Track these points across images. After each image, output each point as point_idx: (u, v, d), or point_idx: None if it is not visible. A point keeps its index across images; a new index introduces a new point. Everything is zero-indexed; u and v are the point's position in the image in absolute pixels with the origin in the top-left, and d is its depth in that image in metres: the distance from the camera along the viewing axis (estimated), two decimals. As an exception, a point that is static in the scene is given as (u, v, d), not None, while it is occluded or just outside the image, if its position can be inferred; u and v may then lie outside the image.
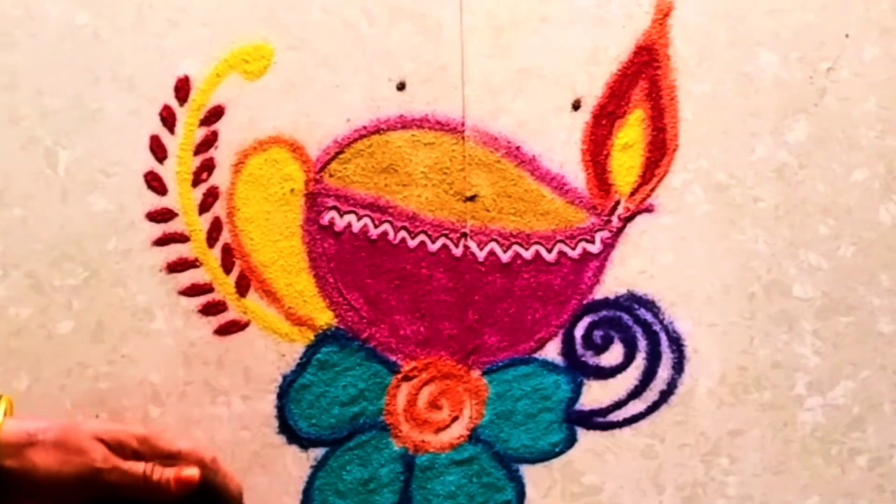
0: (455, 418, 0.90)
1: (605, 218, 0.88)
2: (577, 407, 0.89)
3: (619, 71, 0.86)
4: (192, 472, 0.75)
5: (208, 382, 0.89)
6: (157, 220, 0.88)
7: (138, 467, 0.75)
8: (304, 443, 0.90)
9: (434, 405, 0.90)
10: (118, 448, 0.75)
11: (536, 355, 0.89)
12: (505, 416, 0.89)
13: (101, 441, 0.75)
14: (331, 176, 0.88)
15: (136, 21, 0.87)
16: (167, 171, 0.88)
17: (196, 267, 0.89)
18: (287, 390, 0.89)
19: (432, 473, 0.90)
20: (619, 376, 0.89)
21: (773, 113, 0.86)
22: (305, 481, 0.90)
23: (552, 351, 0.89)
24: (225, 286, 0.89)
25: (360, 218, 0.88)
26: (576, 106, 0.87)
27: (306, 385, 0.89)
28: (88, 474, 0.74)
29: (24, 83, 0.87)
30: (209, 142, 0.88)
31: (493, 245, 0.88)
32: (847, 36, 0.85)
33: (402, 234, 0.88)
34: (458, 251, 0.88)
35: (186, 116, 0.88)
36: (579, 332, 0.89)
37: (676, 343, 0.89)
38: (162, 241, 0.89)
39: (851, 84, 0.85)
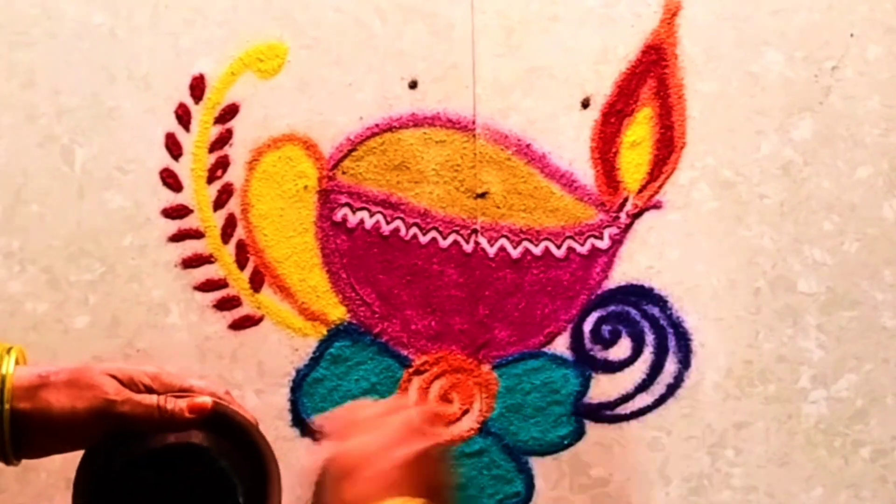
0: (466, 411, 0.90)
1: (614, 214, 0.88)
2: (586, 400, 0.90)
3: (628, 70, 0.87)
4: (205, 399, 0.75)
5: (223, 376, 0.89)
6: (172, 217, 0.89)
7: (151, 398, 0.75)
8: (317, 436, 0.89)
9: (445, 398, 0.90)
10: (130, 384, 0.75)
11: (546, 349, 0.89)
12: (514, 409, 0.90)
13: (114, 377, 0.75)
14: (343, 173, 0.88)
15: (152, 20, 0.87)
16: (182, 169, 0.88)
17: (211, 263, 0.89)
18: (300, 384, 0.89)
19: None
20: (627, 370, 0.89)
21: (778, 111, 0.86)
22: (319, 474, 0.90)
23: (561, 345, 0.89)
24: (239, 282, 0.89)
25: (372, 214, 0.88)
26: (585, 104, 0.87)
27: (319, 379, 0.89)
28: (102, 406, 0.74)
29: (42, 81, 0.87)
30: (224, 139, 0.88)
31: (503, 241, 0.88)
32: (852, 35, 0.85)
33: (414, 230, 0.88)
34: (468, 247, 0.88)
35: (201, 114, 0.88)
36: (588, 326, 0.89)
37: (683, 337, 0.89)
38: (177, 238, 0.89)
39: (856, 83, 0.85)
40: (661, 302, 0.88)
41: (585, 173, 0.87)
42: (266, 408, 0.89)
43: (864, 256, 0.87)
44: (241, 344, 0.89)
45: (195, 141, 0.88)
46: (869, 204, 0.86)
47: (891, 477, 0.89)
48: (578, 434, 0.89)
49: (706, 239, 0.87)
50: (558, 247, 0.88)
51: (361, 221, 0.88)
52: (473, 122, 0.87)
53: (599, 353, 0.89)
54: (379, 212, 0.88)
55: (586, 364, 0.89)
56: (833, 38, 0.85)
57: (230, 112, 0.87)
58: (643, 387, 0.89)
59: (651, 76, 0.86)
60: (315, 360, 0.89)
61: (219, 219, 0.89)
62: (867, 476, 0.89)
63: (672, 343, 0.89)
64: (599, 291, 0.89)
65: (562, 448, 0.90)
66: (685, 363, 0.89)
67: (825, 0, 0.85)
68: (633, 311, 0.88)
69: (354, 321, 0.89)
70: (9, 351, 0.77)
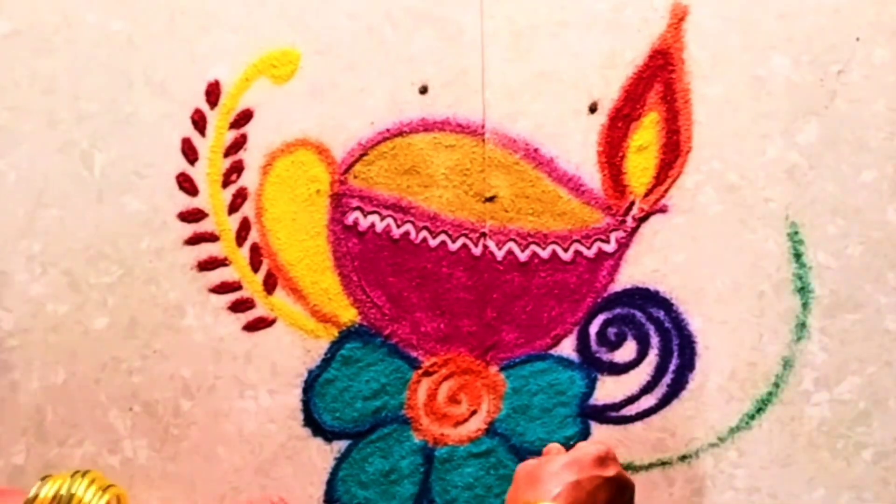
0: (473, 412, 0.82)
1: (620, 218, 0.79)
2: (591, 401, 0.82)
3: (635, 74, 0.78)
4: None
5: (237, 377, 0.82)
6: (188, 221, 0.82)
7: None
8: (329, 435, 0.83)
9: (453, 399, 0.83)
10: None
11: (552, 351, 0.81)
12: (521, 410, 0.82)
13: None
14: (355, 177, 0.80)
15: (169, 27, 0.81)
16: (198, 173, 0.82)
17: (225, 265, 0.82)
18: (312, 385, 0.82)
19: (451, 465, 0.83)
20: (632, 372, 0.81)
21: (784, 115, 0.78)
22: (329, 472, 0.83)
23: (567, 347, 0.81)
24: (253, 284, 0.82)
25: (382, 218, 0.80)
26: (592, 109, 0.78)
27: (330, 380, 0.82)
28: None
29: (62, 88, 0.82)
30: (238, 144, 0.81)
31: (511, 244, 0.80)
32: (857, 39, 0.77)
33: (424, 233, 0.80)
34: (477, 250, 0.80)
35: (217, 120, 0.81)
36: (594, 329, 0.81)
37: (688, 340, 0.81)
38: (193, 241, 0.82)
39: (861, 86, 0.77)
40: (666, 305, 0.80)
41: (592, 177, 0.79)
42: (279, 408, 0.82)
43: (868, 260, 0.78)
44: (255, 345, 0.82)
45: (210, 146, 0.81)
46: (873, 207, 0.78)
47: (892, 479, 0.81)
48: (584, 435, 0.82)
49: (711, 242, 0.79)
50: (565, 250, 0.79)
51: (372, 225, 0.80)
52: (482, 127, 0.79)
53: (605, 356, 0.81)
54: (389, 215, 0.80)
55: (592, 366, 0.81)
56: (839, 42, 0.77)
57: (244, 117, 0.81)
58: (648, 388, 0.81)
59: (658, 81, 0.78)
60: (327, 362, 0.82)
61: (233, 222, 0.82)
62: (869, 478, 0.81)
63: (676, 345, 0.81)
64: (605, 294, 0.81)
65: (568, 448, 0.81)
66: (689, 365, 0.81)
67: (831, 4, 0.76)
68: (639, 314, 0.80)
69: (365, 323, 0.81)
70: (106, 489, 0.71)
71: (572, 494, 0.70)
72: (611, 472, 0.72)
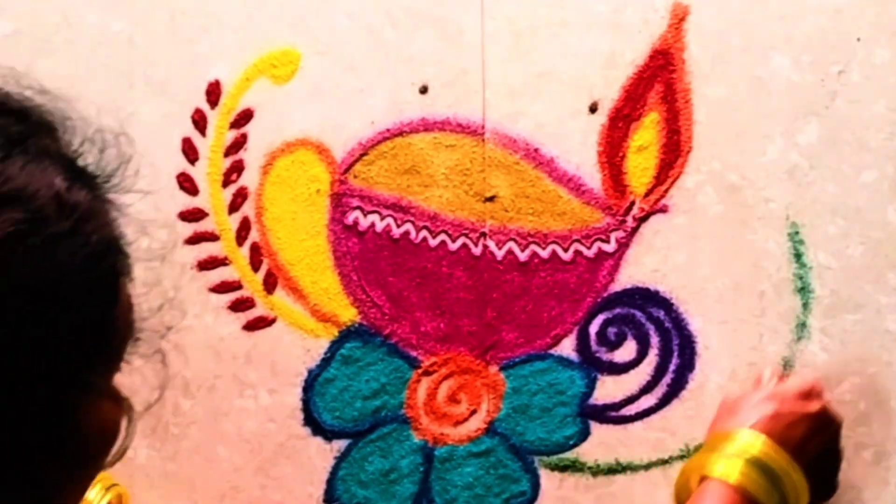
0: (473, 412, 0.82)
1: (620, 218, 0.79)
2: (591, 401, 0.82)
3: (635, 75, 0.78)
4: None
5: (237, 376, 0.82)
6: (188, 220, 0.82)
7: None
8: (328, 435, 0.83)
9: (453, 399, 0.82)
10: None
11: (552, 351, 0.81)
12: (521, 409, 0.82)
13: None
14: (355, 177, 0.80)
15: (170, 28, 0.81)
16: (198, 173, 0.81)
17: (225, 265, 0.82)
18: (312, 384, 0.82)
19: (451, 465, 0.83)
20: (632, 372, 0.81)
21: (784, 115, 0.78)
22: (329, 471, 0.83)
23: (567, 347, 0.81)
24: (253, 284, 0.82)
25: (382, 218, 0.80)
26: (593, 109, 0.78)
27: (330, 379, 0.82)
28: None
29: (63, 88, 0.79)
30: (239, 144, 0.81)
31: (511, 244, 0.80)
32: (858, 40, 0.76)
33: (424, 233, 0.80)
34: (477, 250, 0.80)
35: (217, 120, 0.81)
36: (594, 328, 0.81)
37: (688, 340, 0.81)
38: (193, 240, 0.82)
39: (862, 87, 0.77)
40: (666, 305, 0.80)
41: (592, 177, 0.79)
42: (279, 407, 0.82)
43: (868, 260, 0.78)
44: (255, 345, 0.82)
45: (211, 145, 0.81)
46: (873, 208, 0.78)
47: (893, 479, 0.81)
48: (584, 434, 0.81)
49: (711, 242, 0.79)
50: (565, 250, 0.79)
51: (372, 224, 0.80)
52: (482, 127, 0.79)
53: (605, 355, 0.81)
54: (389, 215, 0.80)
55: (592, 366, 0.81)
56: (840, 42, 0.76)
57: (245, 117, 0.81)
58: (648, 388, 0.81)
59: (658, 81, 0.78)
60: (326, 361, 0.82)
61: (233, 222, 0.82)
62: (869, 478, 0.80)
63: (676, 345, 0.81)
64: (605, 294, 0.81)
65: (567, 448, 0.82)
66: (689, 365, 0.81)
67: (832, 5, 0.76)
68: (639, 314, 0.80)
69: (365, 323, 0.81)
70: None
71: (769, 426, 0.69)
72: (813, 407, 0.71)
